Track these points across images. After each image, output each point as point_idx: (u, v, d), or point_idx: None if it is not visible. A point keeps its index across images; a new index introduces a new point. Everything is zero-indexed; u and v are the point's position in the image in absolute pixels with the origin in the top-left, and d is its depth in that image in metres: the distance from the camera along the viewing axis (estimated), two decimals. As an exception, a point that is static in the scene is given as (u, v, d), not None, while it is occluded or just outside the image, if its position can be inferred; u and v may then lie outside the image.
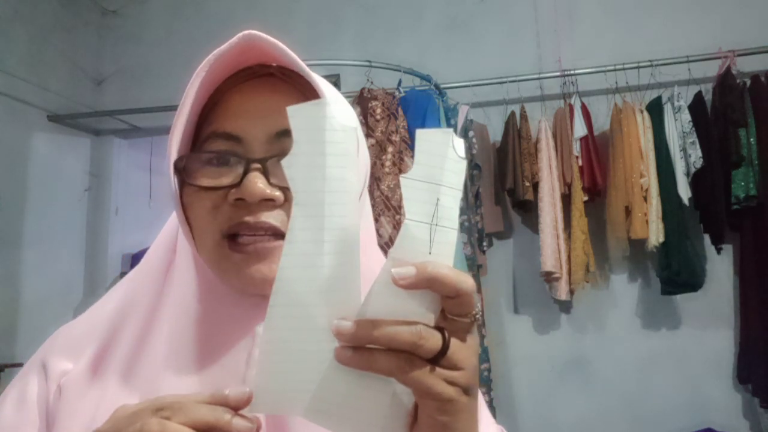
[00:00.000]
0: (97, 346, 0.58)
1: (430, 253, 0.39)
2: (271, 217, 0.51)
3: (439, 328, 0.40)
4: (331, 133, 0.40)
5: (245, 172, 0.51)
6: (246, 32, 0.53)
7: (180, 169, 0.54)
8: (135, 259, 3.52)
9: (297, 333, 0.40)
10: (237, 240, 0.52)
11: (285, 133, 0.53)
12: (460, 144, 0.41)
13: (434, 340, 0.39)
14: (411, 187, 0.40)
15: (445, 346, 0.40)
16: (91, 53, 3.73)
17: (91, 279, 3.54)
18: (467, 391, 0.42)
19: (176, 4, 3.77)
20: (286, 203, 0.52)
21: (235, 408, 0.41)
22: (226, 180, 0.52)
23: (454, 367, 0.40)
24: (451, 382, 0.40)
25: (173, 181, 0.54)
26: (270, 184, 0.51)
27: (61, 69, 3.48)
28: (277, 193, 0.51)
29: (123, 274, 3.55)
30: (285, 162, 0.40)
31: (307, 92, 0.55)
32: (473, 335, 0.43)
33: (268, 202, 0.51)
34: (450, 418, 0.41)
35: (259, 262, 0.51)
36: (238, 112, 0.54)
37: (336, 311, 0.40)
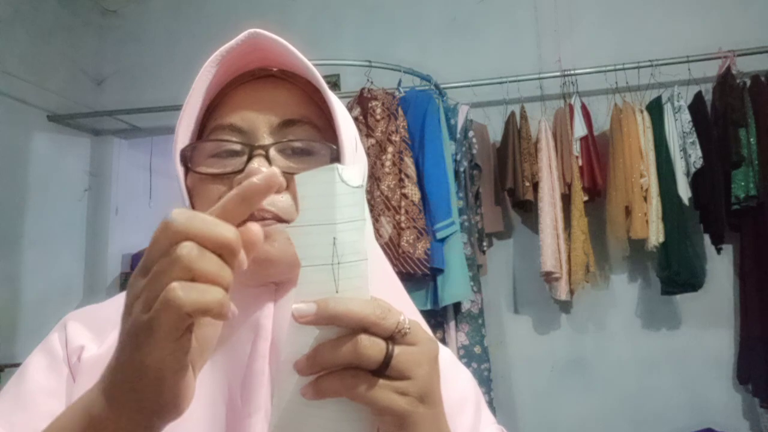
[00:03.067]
0: (110, 330, 0.58)
1: (337, 291, 0.39)
2: (274, 204, 0.52)
3: (385, 338, 0.40)
4: (341, 197, 0.39)
5: (249, 159, 0.52)
6: (252, 31, 0.54)
7: (185, 158, 0.55)
8: (135, 259, 3.53)
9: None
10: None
11: (288, 123, 0.55)
12: (351, 173, 0.40)
13: (376, 349, 0.39)
14: (300, 234, 0.39)
15: (389, 355, 0.40)
16: (91, 53, 3.73)
17: (91, 279, 3.53)
18: (422, 399, 0.41)
19: (176, 4, 3.76)
20: (289, 189, 0.53)
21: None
22: (230, 167, 0.53)
23: (401, 377, 0.40)
24: (402, 393, 0.40)
25: (179, 170, 0.56)
26: None
27: (61, 69, 3.48)
28: (280, 179, 0.52)
29: (123, 274, 3.56)
30: (291, 230, 0.40)
31: (309, 91, 0.57)
32: (424, 342, 0.42)
33: None
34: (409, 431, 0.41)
35: (264, 241, 0.52)
36: (243, 105, 0.56)
37: None
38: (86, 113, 3.49)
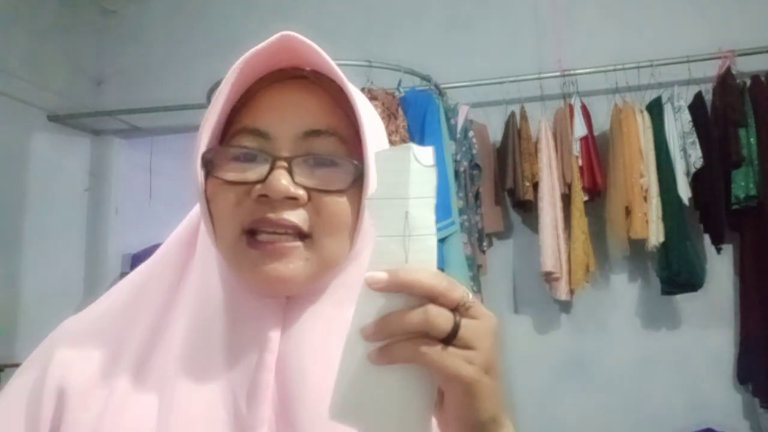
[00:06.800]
0: (106, 341, 0.57)
1: (407, 261, 0.42)
2: (294, 216, 0.51)
3: (450, 310, 0.42)
4: (414, 174, 0.42)
5: (271, 169, 0.51)
6: (284, 33, 0.53)
7: (207, 161, 0.54)
8: (135, 259, 3.53)
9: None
10: (256, 237, 0.52)
11: (313, 134, 0.54)
12: (425, 153, 0.42)
13: (444, 319, 0.41)
14: (376, 207, 0.42)
15: (456, 325, 0.41)
16: (91, 53, 3.73)
17: (91, 279, 3.53)
18: (487, 370, 0.43)
19: (176, 4, 3.76)
20: (309, 203, 0.52)
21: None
22: (251, 176, 0.52)
23: (468, 347, 0.42)
24: (469, 362, 0.42)
25: (199, 173, 0.54)
26: (294, 183, 0.51)
27: (61, 69, 3.48)
28: (301, 192, 0.51)
29: (123, 274, 3.55)
30: (368, 202, 0.43)
31: (339, 97, 0.55)
32: (486, 317, 0.44)
33: (292, 201, 0.51)
34: (474, 400, 0.43)
35: (277, 260, 0.51)
36: (269, 109, 0.55)
37: None
38: (86, 113, 3.49)
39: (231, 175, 0.53)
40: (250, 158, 0.53)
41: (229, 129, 0.56)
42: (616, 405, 2.93)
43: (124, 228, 3.61)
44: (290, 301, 0.55)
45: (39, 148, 3.27)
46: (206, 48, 3.36)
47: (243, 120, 0.55)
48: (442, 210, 2.47)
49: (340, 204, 0.53)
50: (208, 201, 0.55)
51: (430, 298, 0.41)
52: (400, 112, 2.56)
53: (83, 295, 3.49)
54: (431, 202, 0.43)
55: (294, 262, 0.52)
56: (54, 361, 0.56)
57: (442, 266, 2.42)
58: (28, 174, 3.20)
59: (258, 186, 0.51)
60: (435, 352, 0.41)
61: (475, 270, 2.74)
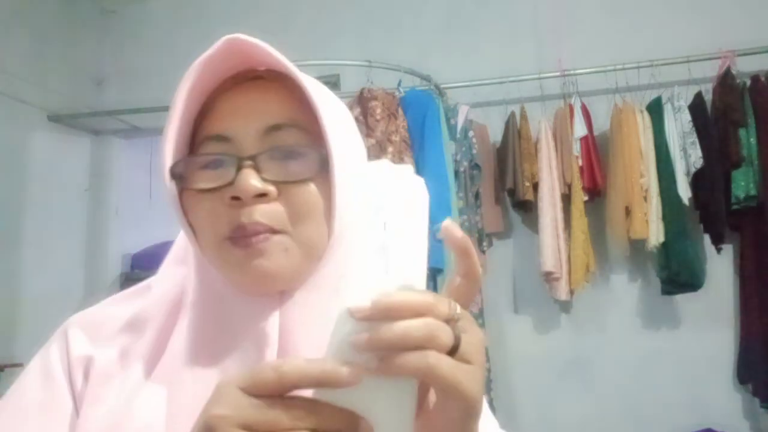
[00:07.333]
0: (121, 342, 0.59)
1: (387, 272, 0.40)
2: (267, 215, 0.52)
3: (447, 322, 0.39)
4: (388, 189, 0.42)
5: (237, 170, 0.52)
6: (228, 36, 0.53)
7: (176, 174, 0.54)
8: (135, 259, 3.53)
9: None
10: (238, 239, 0.53)
11: (274, 128, 0.54)
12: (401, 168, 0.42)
13: (446, 332, 0.38)
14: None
15: (458, 339, 0.39)
16: (91, 53, 3.73)
17: (91, 279, 3.53)
18: (482, 385, 0.41)
19: (176, 4, 3.76)
20: (281, 196, 0.53)
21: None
22: (220, 180, 0.53)
23: (468, 361, 0.39)
24: (473, 377, 0.39)
25: (171, 187, 0.55)
26: (262, 179, 0.52)
27: (61, 69, 3.48)
28: (271, 188, 0.52)
29: (123, 274, 3.56)
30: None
31: (298, 91, 0.55)
32: (476, 329, 0.42)
33: (263, 197, 0.52)
34: (471, 418, 0.40)
35: (260, 256, 0.52)
36: (228, 113, 0.55)
37: None
38: (86, 113, 3.48)
39: (202, 184, 0.53)
40: (217, 164, 0.53)
41: (194, 137, 0.57)
42: (616, 405, 2.93)
43: (124, 228, 3.61)
44: (284, 296, 0.55)
45: (39, 148, 3.27)
46: (206, 48, 3.36)
47: (205, 128, 0.56)
48: (442, 210, 2.47)
49: (310, 192, 0.53)
50: (185, 213, 0.56)
51: (419, 315, 0.38)
52: (400, 112, 2.56)
53: (83, 295, 3.48)
54: (408, 214, 0.41)
55: (275, 254, 0.52)
56: (72, 342, 0.59)
57: (442, 266, 2.42)
58: (28, 174, 3.20)
59: (228, 188, 0.52)
60: (446, 365, 0.37)
61: (475, 270, 2.74)
